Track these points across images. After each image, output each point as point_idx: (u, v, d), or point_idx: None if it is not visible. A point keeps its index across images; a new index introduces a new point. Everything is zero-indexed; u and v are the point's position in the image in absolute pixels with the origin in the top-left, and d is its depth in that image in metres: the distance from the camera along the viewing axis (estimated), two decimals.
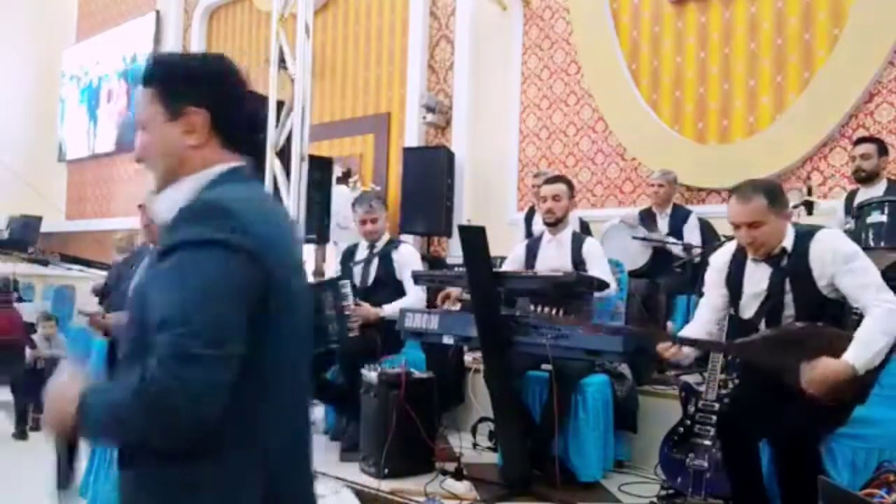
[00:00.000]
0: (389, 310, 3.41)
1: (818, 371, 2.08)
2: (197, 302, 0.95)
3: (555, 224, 3.43)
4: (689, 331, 2.50)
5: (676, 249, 4.08)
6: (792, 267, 2.26)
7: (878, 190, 3.64)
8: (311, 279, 5.16)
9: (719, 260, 2.52)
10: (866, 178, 3.70)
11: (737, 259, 2.43)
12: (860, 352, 2.07)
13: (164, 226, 1.09)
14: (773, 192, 2.30)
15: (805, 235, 2.30)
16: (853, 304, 2.20)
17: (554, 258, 3.39)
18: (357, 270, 3.73)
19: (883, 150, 3.75)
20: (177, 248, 1.00)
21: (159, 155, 1.15)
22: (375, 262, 3.71)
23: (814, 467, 2.07)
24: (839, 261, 2.19)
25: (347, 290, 3.50)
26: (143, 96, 1.15)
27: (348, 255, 3.89)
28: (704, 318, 2.51)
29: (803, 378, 2.10)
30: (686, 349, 2.38)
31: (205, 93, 1.13)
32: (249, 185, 1.15)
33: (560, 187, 3.42)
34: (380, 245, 3.75)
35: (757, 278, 2.35)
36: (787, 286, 2.27)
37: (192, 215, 1.03)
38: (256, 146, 1.22)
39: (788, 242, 2.29)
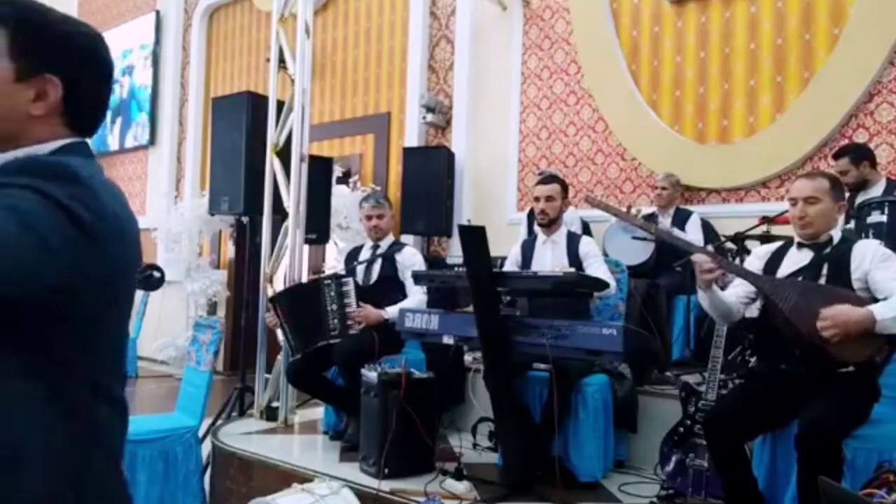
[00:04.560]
0: (393, 311, 3.41)
1: (839, 309, 2.16)
2: None
3: (548, 225, 3.44)
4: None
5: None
6: (833, 254, 2.39)
7: (877, 191, 3.63)
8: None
9: (763, 249, 2.65)
10: (854, 189, 3.69)
11: (782, 248, 2.56)
12: (884, 308, 2.14)
13: None
14: (836, 181, 2.47)
15: (852, 238, 2.50)
16: (879, 296, 2.24)
17: (549, 259, 3.41)
18: (360, 270, 3.74)
19: (861, 156, 3.71)
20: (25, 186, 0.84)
21: None
22: (378, 262, 3.72)
23: (837, 468, 2.08)
24: (878, 257, 2.30)
25: (350, 287, 3.51)
26: None
27: (352, 256, 3.91)
28: (729, 294, 2.59)
29: (821, 315, 2.16)
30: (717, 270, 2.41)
31: (68, 63, 0.98)
32: (92, 161, 1.00)
33: (554, 188, 3.43)
34: (384, 246, 3.76)
35: (797, 259, 2.47)
36: (825, 270, 2.38)
37: (39, 169, 0.88)
38: (91, 134, 1.08)
39: (836, 236, 2.44)
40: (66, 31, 0.99)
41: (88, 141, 1.04)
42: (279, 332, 3.97)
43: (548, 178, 3.57)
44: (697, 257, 2.41)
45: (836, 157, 3.82)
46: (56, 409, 0.89)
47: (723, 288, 2.62)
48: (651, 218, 4.35)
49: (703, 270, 2.38)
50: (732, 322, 2.65)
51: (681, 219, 4.37)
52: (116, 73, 9.52)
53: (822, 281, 2.38)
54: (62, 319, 0.89)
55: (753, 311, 2.59)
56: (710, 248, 3.52)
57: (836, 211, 2.42)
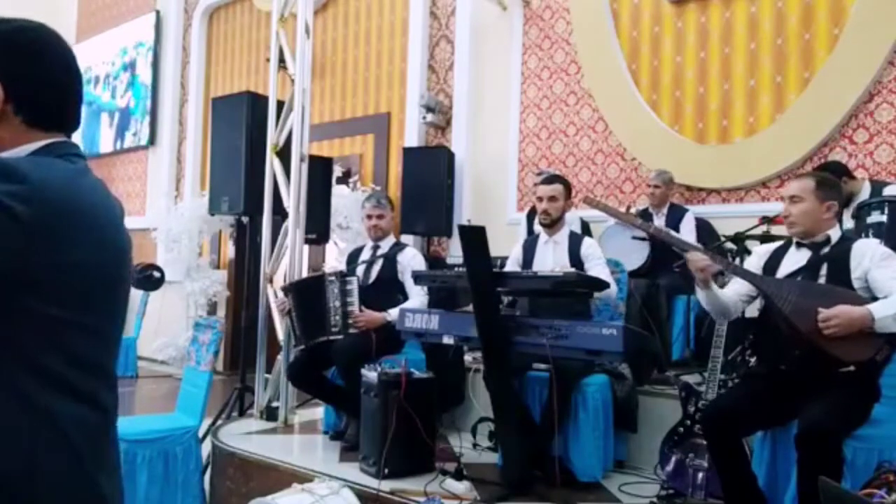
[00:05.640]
0: (395, 314, 3.40)
1: (838, 308, 2.17)
2: None
3: (551, 225, 3.43)
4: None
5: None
6: (832, 254, 2.40)
7: (864, 194, 3.62)
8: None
9: (764, 248, 2.67)
10: (843, 205, 3.66)
11: (782, 247, 2.57)
12: (882, 306, 2.16)
13: None
14: (824, 181, 2.47)
15: (851, 237, 2.51)
16: (878, 294, 2.25)
17: (550, 259, 3.40)
18: (360, 270, 3.74)
19: (836, 174, 3.66)
20: None
21: None
22: (379, 262, 3.72)
23: (837, 468, 2.08)
24: (878, 256, 2.31)
25: (354, 286, 3.52)
26: None
27: (354, 256, 3.91)
28: (729, 291, 2.60)
29: (820, 315, 2.17)
30: (712, 264, 2.43)
31: (5, 62, 0.97)
32: (74, 161, 1.00)
33: (556, 188, 3.41)
34: (385, 246, 3.77)
35: (796, 259, 2.48)
36: (823, 270, 2.39)
37: None
38: (70, 127, 1.06)
39: (835, 235, 2.44)
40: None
41: (63, 139, 1.03)
42: (278, 323, 4.00)
43: (550, 178, 3.55)
44: (692, 255, 2.42)
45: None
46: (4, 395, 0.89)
47: (721, 286, 2.63)
48: (644, 215, 4.35)
49: (698, 269, 2.39)
50: (730, 318, 2.66)
51: (674, 217, 4.35)
52: (116, 70, 9.54)
53: (822, 280, 2.38)
54: (9, 310, 0.88)
55: (753, 311, 2.59)
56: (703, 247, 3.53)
57: (822, 211, 2.41)
